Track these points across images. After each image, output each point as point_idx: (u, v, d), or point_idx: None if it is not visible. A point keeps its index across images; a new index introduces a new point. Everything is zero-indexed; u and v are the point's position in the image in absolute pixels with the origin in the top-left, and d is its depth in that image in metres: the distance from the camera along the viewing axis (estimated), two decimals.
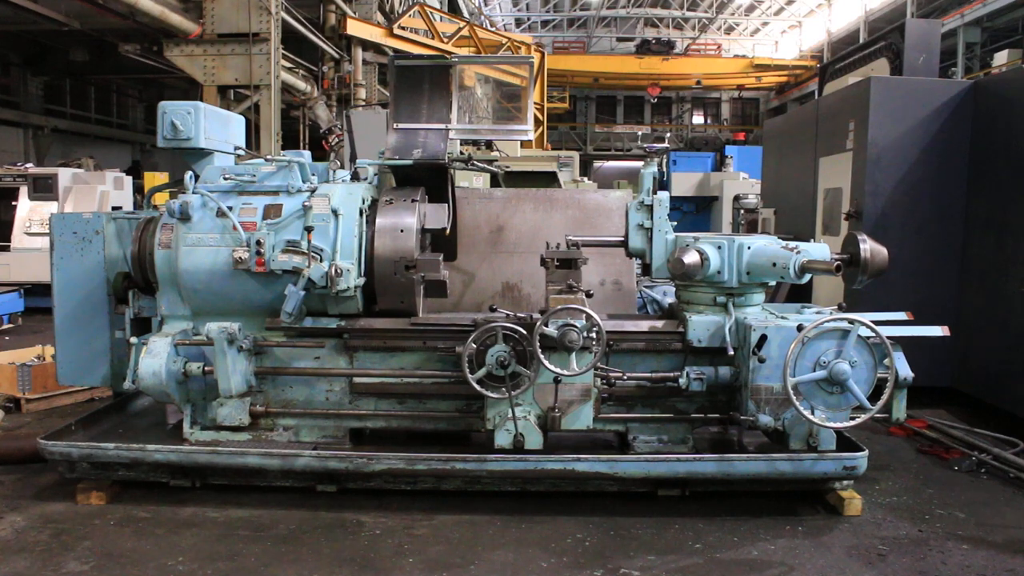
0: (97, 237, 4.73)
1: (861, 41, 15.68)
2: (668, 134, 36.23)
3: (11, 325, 10.00)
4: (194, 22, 11.36)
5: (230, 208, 4.32)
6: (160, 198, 5.39)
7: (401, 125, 4.86)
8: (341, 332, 4.46)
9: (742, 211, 16.17)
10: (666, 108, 39.83)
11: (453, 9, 21.64)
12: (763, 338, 4.10)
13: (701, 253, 4.26)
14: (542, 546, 3.87)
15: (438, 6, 18.72)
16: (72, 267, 4.76)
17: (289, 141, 14.24)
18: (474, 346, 4.13)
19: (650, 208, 4.54)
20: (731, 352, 4.24)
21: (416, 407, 4.55)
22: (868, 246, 4.18)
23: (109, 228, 4.74)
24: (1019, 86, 6.00)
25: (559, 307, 4.08)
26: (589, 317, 4.06)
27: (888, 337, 4.02)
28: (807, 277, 4.13)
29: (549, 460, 4.20)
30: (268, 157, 4.87)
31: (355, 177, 4.73)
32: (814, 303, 5.08)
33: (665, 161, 20.18)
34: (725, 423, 4.51)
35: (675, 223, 4.63)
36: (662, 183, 14.77)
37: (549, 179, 11.09)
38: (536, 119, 15.50)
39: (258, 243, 4.21)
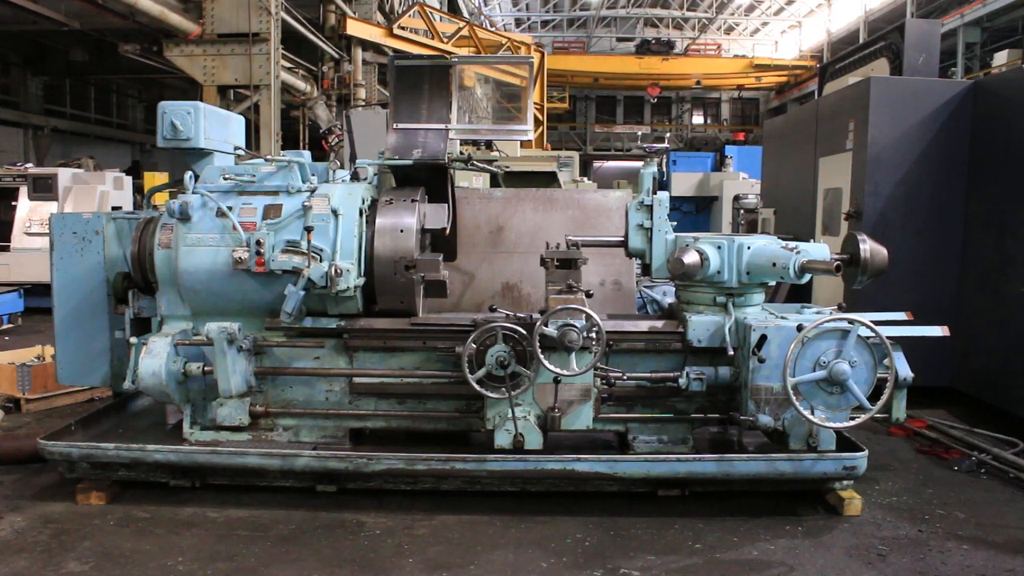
0: (97, 237, 4.73)
1: (861, 41, 15.68)
2: (668, 134, 36.22)
3: (11, 325, 9.99)
4: (194, 22, 11.36)
5: (230, 208, 4.33)
6: (160, 198, 5.40)
7: (401, 125, 4.86)
8: (341, 332, 4.46)
9: (742, 211, 16.20)
10: (666, 108, 39.84)
11: (453, 9, 21.63)
12: (763, 338, 4.10)
13: (701, 253, 4.25)
14: (542, 546, 3.87)
15: (438, 6, 18.71)
16: (72, 267, 4.76)
17: (289, 141, 14.23)
18: (474, 346, 4.12)
19: (650, 208, 4.54)
20: (731, 352, 4.25)
21: (416, 407, 4.55)
22: (868, 246, 4.18)
23: (109, 228, 4.74)
24: (1019, 86, 6.00)
25: (559, 307, 4.08)
26: (589, 317, 4.06)
27: (888, 337, 4.02)
28: (807, 277, 4.13)
29: (549, 460, 4.20)
30: (268, 157, 4.87)
31: (355, 177, 4.73)
32: (814, 303, 5.08)
33: (665, 161, 20.19)
34: (725, 423, 4.51)
35: (675, 223, 4.63)
36: (662, 183, 14.82)
37: (549, 179, 11.06)
38: (536, 119, 15.49)
39: (258, 243, 4.21)
